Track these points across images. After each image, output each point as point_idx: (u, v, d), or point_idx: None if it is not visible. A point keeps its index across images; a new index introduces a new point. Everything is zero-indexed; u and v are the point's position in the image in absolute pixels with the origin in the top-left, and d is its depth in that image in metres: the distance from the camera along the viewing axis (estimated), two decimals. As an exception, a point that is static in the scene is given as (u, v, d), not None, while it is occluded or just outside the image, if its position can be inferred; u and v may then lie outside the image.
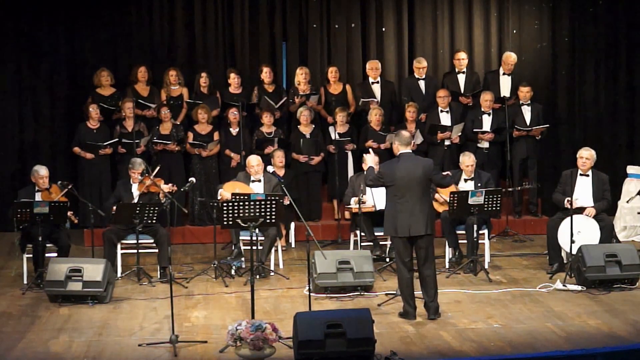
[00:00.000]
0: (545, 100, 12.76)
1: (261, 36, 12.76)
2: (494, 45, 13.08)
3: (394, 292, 8.68)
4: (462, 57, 12.40)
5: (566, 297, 8.87)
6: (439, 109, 12.02)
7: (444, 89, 12.13)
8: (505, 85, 12.37)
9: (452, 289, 9.13)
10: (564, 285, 9.12)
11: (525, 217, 12.25)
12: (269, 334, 6.89)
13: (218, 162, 11.87)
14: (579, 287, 9.06)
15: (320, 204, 12.11)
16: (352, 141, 11.85)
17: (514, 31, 13.06)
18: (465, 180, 10.33)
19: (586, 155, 9.93)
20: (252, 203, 8.37)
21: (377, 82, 12.32)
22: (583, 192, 9.90)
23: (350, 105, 12.33)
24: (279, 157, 11.07)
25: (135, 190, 10.04)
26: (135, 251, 9.67)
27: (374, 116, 11.80)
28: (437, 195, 10.11)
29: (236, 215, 8.25)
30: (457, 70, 12.45)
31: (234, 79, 12.14)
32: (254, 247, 9.12)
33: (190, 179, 9.97)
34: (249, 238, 9.16)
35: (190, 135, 11.72)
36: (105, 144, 11.50)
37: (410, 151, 8.21)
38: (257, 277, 9.53)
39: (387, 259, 10.11)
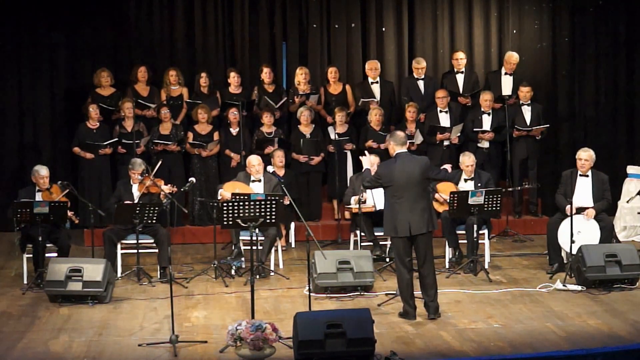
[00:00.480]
0: (545, 100, 12.77)
1: (261, 36, 12.76)
2: (494, 45, 13.09)
3: (394, 292, 8.68)
4: (460, 57, 12.40)
5: (566, 297, 8.88)
6: (438, 109, 12.02)
7: (443, 89, 12.13)
8: (506, 85, 12.38)
9: (452, 289, 9.13)
10: (564, 285, 9.12)
11: (525, 217, 12.26)
12: (269, 334, 6.89)
13: (218, 162, 11.87)
14: (579, 287, 9.06)
15: (320, 204, 12.11)
16: (352, 141, 11.85)
17: (514, 31, 13.07)
18: (465, 180, 10.33)
19: (585, 157, 9.93)
20: (252, 203, 8.37)
21: (377, 82, 12.32)
22: (583, 192, 9.91)
23: (350, 105, 12.33)
24: (279, 157, 11.07)
25: (136, 191, 10.04)
26: (135, 251, 9.67)
27: (374, 116, 11.80)
28: (437, 195, 10.11)
29: (236, 215, 8.25)
30: (455, 70, 12.45)
31: (233, 79, 12.14)
32: (254, 247, 9.12)
33: (190, 179, 9.98)
34: (249, 238, 9.16)
35: (190, 135, 11.72)
36: (105, 143, 11.50)
37: (406, 150, 8.20)
38: (257, 277, 9.53)
39: (387, 259, 10.11)
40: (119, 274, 9.76)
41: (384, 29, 12.95)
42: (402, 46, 13.02)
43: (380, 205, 9.63)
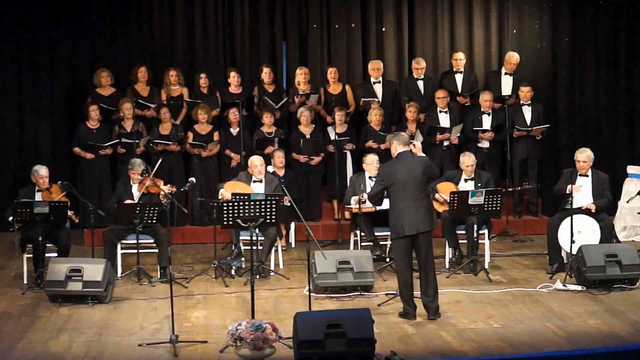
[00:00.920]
0: (545, 100, 12.77)
1: (261, 36, 12.76)
2: (494, 45, 13.09)
3: (394, 292, 8.68)
4: (460, 58, 12.39)
5: (566, 297, 8.88)
6: (438, 109, 12.02)
7: (442, 90, 12.13)
8: (506, 84, 12.38)
9: (452, 289, 9.13)
10: (564, 285, 9.12)
11: (525, 217, 12.26)
12: (269, 334, 6.89)
13: (218, 162, 11.87)
14: (579, 287, 9.06)
15: (320, 204, 12.11)
16: (351, 141, 11.85)
17: (514, 31, 13.07)
18: (466, 180, 10.33)
19: (583, 158, 9.92)
20: (252, 203, 8.37)
21: (379, 82, 12.32)
22: (583, 191, 9.91)
23: (350, 105, 12.33)
24: (279, 157, 11.06)
25: (136, 191, 10.04)
26: (135, 251, 9.67)
27: (374, 116, 11.80)
28: (437, 195, 10.11)
29: (236, 215, 8.25)
30: (454, 70, 12.45)
31: (234, 79, 12.14)
32: (254, 247, 9.12)
33: (190, 179, 9.97)
34: (249, 238, 9.16)
35: (190, 135, 11.72)
36: (105, 144, 11.49)
37: (408, 150, 8.22)
38: (257, 277, 9.53)
39: (387, 259, 10.11)
40: (119, 274, 9.76)
41: (384, 29, 12.95)
42: (402, 46, 13.02)
43: (380, 206, 9.61)
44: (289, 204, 9.64)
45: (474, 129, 11.91)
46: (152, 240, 9.91)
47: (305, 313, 7.29)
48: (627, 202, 11.47)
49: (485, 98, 11.94)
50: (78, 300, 8.70)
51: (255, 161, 10.32)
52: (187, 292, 9.22)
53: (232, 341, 6.95)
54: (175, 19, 12.65)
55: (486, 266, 9.99)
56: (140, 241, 9.67)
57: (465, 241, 9.94)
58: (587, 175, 9.95)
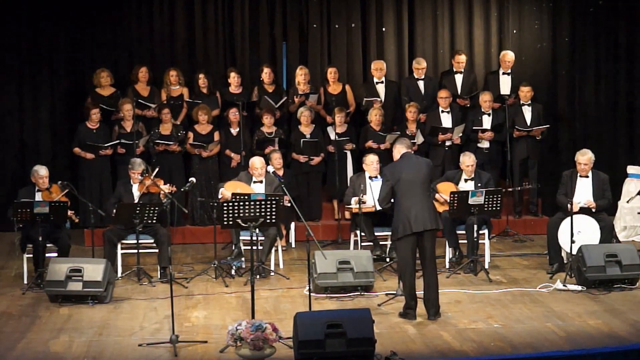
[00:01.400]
0: (545, 100, 12.76)
1: (261, 36, 12.76)
2: (494, 45, 13.08)
3: (394, 292, 8.68)
4: (461, 60, 12.39)
5: (566, 297, 8.88)
6: (440, 109, 12.02)
7: (445, 90, 12.12)
8: (505, 84, 12.38)
9: (452, 289, 9.13)
10: (564, 285, 9.12)
11: (525, 217, 12.26)
12: (269, 334, 6.89)
13: (218, 162, 11.87)
14: (579, 287, 9.06)
15: (320, 204, 12.11)
16: (351, 141, 11.85)
17: (514, 31, 13.07)
18: (466, 180, 10.33)
19: (584, 161, 9.92)
20: (252, 203, 8.37)
21: (382, 82, 12.32)
22: (583, 192, 9.91)
23: (350, 105, 12.33)
24: (276, 158, 11.01)
25: (136, 191, 10.04)
26: (135, 251, 9.67)
27: (374, 116, 11.80)
28: (437, 195, 10.10)
29: (236, 215, 8.25)
30: (455, 70, 12.45)
31: (234, 79, 12.14)
32: (254, 247, 9.12)
33: (190, 179, 9.97)
34: (249, 238, 9.16)
35: (191, 135, 11.72)
36: (105, 145, 11.50)
37: (412, 152, 8.28)
38: (257, 277, 9.53)
39: (387, 259, 10.12)
40: (119, 274, 9.76)
41: (384, 29, 12.95)
42: (402, 46, 13.02)
43: (380, 206, 9.62)
44: (289, 204, 9.64)
45: (474, 128, 11.91)
46: (152, 240, 9.91)
47: (305, 313, 7.29)
48: (627, 202, 11.47)
49: (485, 99, 11.95)
50: (78, 300, 8.70)
51: (256, 163, 10.31)
52: (187, 292, 9.22)
53: (232, 341, 6.95)
54: (175, 19, 12.66)
55: (486, 266, 9.99)
56: (140, 241, 9.67)
57: (465, 241, 9.94)
58: (587, 177, 9.95)
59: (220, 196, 10.02)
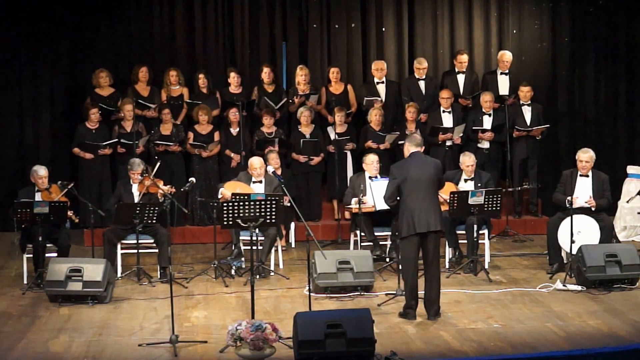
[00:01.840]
0: (545, 100, 12.77)
1: (261, 36, 12.76)
2: (494, 45, 13.09)
3: (394, 292, 8.68)
4: (464, 60, 12.39)
5: (566, 297, 8.88)
6: (441, 109, 12.02)
7: (447, 90, 12.12)
8: (503, 84, 12.39)
9: (452, 289, 9.13)
10: (564, 285, 9.12)
11: (525, 217, 12.26)
12: (269, 334, 6.89)
13: (218, 162, 11.87)
14: (579, 287, 9.06)
15: (320, 204, 12.11)
16: (352, 141, 11.85)
17: (514, 31, 13.07)
18: (465, 180, 10.33)
19: (585, 159, 9.92)
20: (252, 203, 8.37)
21: (382, 83, 12.33)
22: (583, 192, 9.90)
23: (352, 105, 12.33)
24: (273, 158, 10.98)
25: (136, 191, 10.04)
26: (135, 251, 9.67)
27: (374, 116, 11.80)
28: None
29: (236, 215, 8.25)
30: (457, 70, 12.45)
31: (233, 79, 12.14)
32: (254, 247, 9.12)
33: (190, 179, 9.97)
34: (249, 238, 9.16)
35: (191, 135, 11.72)
36: (104, 144, 11.50)
37: (421, 151, 8.24)
38: (257, 277, 9.53)
39: (387, 259, 10.12)
40: (119, 274, 9.76)
41: (384, 29, 12.95)
42: (402, 46, 13.02)
43: (380, 206, 9.62)
44: (288, 204, 9.63)
45: (474, 128, 11.92)
46: (152, 240, 9.91)
47: (305, 313, 7.29)
48: (627, 202, 11.47)
49: (486, 99, 11.95)
50: (78, 300, 8.70)
51: (255, 163, 10.31)
52: (187, 292, 9.22)
53: (232, 341, 6.95)
54: (175, 19, 12.66)
55: (486, 266, 9.99)
56: (140, 241, 9.67)
57: (465, 241, 9.94)
58: (587, 176, 9.95)
59: (220, 196, 10.02)
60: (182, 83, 12.16)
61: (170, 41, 12.67)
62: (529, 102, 12.09)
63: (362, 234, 10.25)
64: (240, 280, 9.64)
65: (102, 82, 11.97)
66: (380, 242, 10.31)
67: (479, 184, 10.20)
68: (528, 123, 12.02)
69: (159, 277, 9.73)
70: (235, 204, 8.33)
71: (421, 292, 8.19)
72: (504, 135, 11.90)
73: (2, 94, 12.34)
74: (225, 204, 8.33)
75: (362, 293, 8.98)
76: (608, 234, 9.81)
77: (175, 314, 7.54)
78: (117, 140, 11.53)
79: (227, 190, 9.99)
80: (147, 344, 7.40)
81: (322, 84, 12.47)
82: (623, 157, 12.96)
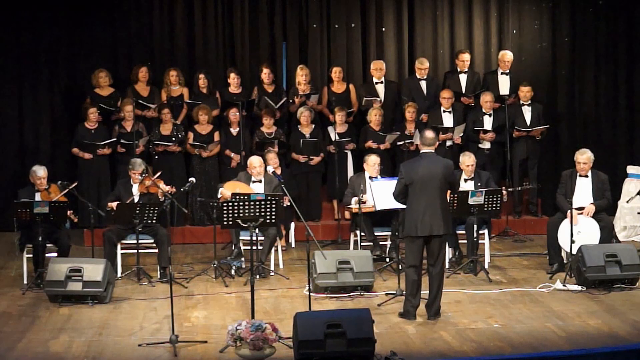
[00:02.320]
0: (545, 100, 12.76)
1: (261, 36, 12.76)
2: (494, 45, 13.08)
3: (394, 292, 8.68)
4: (465, 59, 12.39)
5: (566, 297, 8.88)
6: (442, 109, 12.02)
7: (448, 90, 12.12)
8: (504, 84, 12.38)
9: (452, 289, 9.12)
10: (564, 285, 9.12)
11: (525, 217, 12.26)
12: (269, 334, 6.90)
13: (218, 162, 11.87)
14: (579, 287, 9.06)
15: (320, 204, 12.11)
16: (352, 141, 11.85)
17: (514, 31, 13.07)
18: (465, 180, 10.33)
19: (583, 160, 9.92)
20: (252, 203, 8.37)
21: (381, 82, 12.33)
22: (583, 192, 9.91)
23: (354, 105, 12.33)
24: (272, 158, 10.97)
25: (136, 190, 10.04)
26: (135, 251, 9.67)
27: (374, 116, 11.79)
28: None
29: (236, 215, 8.25)
30: (459, 70, 12.45)
31: (233, 79, 12.14)
32: (254, 247, 9.11)
33: (190, 179, 9.97)
34: (249, 238, 9.14)
35: (191, 135, 11.72)
36: (102, 143, 11.49)
37: (433, 151, 8.16)
38: (257, 277, 9.53)
39: (387, 259, 10.12)
40: (119, 274, 9.77)
41: (384, 29, 12.95)
42: (402, 46, 13.02)
43: (380, 206, 9.62)
44: (288, 204, 9.63)
45: (475, 129, 11.91)
46: (152, 240, 9.91)
47: (305, 313, 7.29)
48: (627, 202, 11.46)
49: (486, 99, 11.94)
50: (78, 300, 8.70)
51: (254, 162, 10.32)
52: (187, 292, 9.22)
53: (232, 341, 6.95)
54: (175, 19, 12.65)
55: (486, 266, 9.99)
56: (140, 241, 9.68)
57: (465, 241, 9.94)
58: (587, 176, 9.95)
59: (220, 196, 10.02)
60: (182, 83, 12.16)
61: (170, 41, 12.67)
62: (529, 102, 12.09)
63: (362, 234, 10.25)
64: (240, 280, 9.64)
65: (102, 82, 11.97)
66: (380, 242, 10.31)
67: (479, 184, 10.20)
68: (528, 123, 12.02)
69: (159, 277, 9.73)
70: (235, 204, 8.33)
71: (424, 293, 8.17)
72: (503, 136, 11.90)
73: (2, 94, 12.34)
74: (225, 204, 8.34)
75: (362, 293, 8.98)
76: (608, 234, 9.81)
77: (175, 314, 7.54)
78: (115, 140, 11.53)
79: (227, 190, 9.98)
80: (147, 344, 7.40)
81: (322, 84, 12.47)
82: (623, 157, 12.96)
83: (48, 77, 12.40)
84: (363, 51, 12.96)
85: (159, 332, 7.82)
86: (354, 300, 8.84)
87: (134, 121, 11.58)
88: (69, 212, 9.52)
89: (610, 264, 9.05)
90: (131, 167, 10.05)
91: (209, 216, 11.58)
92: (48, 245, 9.57)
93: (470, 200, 9.61)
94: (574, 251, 9.32)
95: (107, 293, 8.81)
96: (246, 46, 12.77)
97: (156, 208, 9.56)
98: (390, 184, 8.94)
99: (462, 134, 11.88)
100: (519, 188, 11.66)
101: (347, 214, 11.48)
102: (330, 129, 11.97)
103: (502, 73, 12.41)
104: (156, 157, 11.44)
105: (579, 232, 9.60)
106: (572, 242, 9.40)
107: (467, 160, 10.34)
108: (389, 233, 10.29)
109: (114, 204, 9.78)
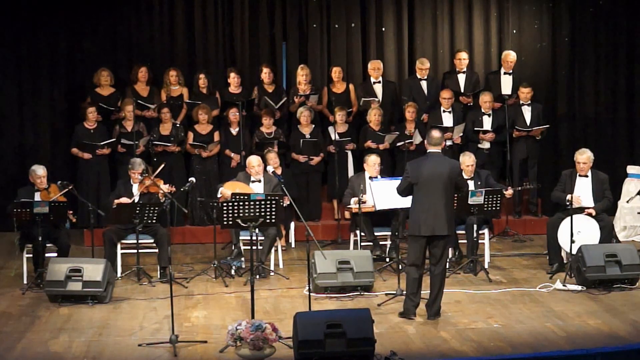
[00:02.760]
0: (545, 100, 12.76)
1: (261, 36, 12.76)
2: (494, 45, 13.08)
3: (394, 292, 8.68)
4: (463, 58, 12.40)
5: (566, 297, 8.88)
6: (442, 109, 12.02)
7: (448, 90, 12.12)
8: (506, 84, 12.38)
9: (452, 289, 9.11)
10: (564, 285, 9.12)
11: (525, 217, 12.26)
12: (269, 334, 6.90)
13: (218, 162, 11.87)
14: (579, 287, 9.06)
15: (320, 204, 12.11)
16: (352, 141, 11.85)
17: (514, 31, 13.07)
18: (466, 180, 10.32)
19: (583, 160, 9.92)
20: (252, 203, 8.37)
21: (379, 82, 12.33)
22: (583, 192, 9.91)
23: (353, 104, 12.33)
24: (272, 159, 10.96)
25: (136, 190, 10.04)
26: (135, 251, 9.68)
27: (373, 116, 11.79)
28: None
29: (236, 215, 8.25)
30: (457, 70, 12.46)
31: (233, 79, 12.14)
32: (254, 247, 9.12)
33: (190, 179, 9.97)
34: (249, 238, 9.15)
35: (191, 135, 11.72)
36: (102, 143, 11.49)
37: (439, 151, 8.14)
38: (257, 277, 9.53)
39: (387, 259, 10.11)
40: (119, 274, 9.77)
41: (384, 29, 12.95)
42: (402, 46, 13.02)
43: (380, 206, 9.62)
44: (288, 203, 9.63)
45: (475, 129, 11.91)
46: (152, 240, 9.91)
47: (305, 313, 7.29)
48: (627, 202, 11.47)
49: (485, 99, 11.94)
50: (78, 300, 8.70)
51: (253, 162, 10.32)
52: (187, 292, 9.22)
53: (232, 341, 6.95)
54: (175, 19, 12.65)
55: (486, 266, 9.99)
56: (140, 241, 9.68)
57: (465, 241, 9.94)
58: (586, 176, 9.95)
59: (219, 195, 10.02)
60: (182, 83, 12.16)
61: (170, 41, 12.67)
62: (529, 102, 12.09)
63: (362, 234, 10.25)
64: (240, 280, 9.64)
65: (103, 81, 11.96)
66: (380, 242, 10.30)
67: (479, 183, 10.20)
68: (528, 123, 12.02)
69: (158, 277, 9.73)
70: (235, 203, 8.33)
71: (425, 293, 8.17)
72: (504, 136, 11.90)
73: (2, 94, 12.34)
74: (225, 204, 8.34)
75: (362, 293, 8.98)
76: (608, 234, 9.82)
77: (175, 314, 7.54)
78: (115, 140, 11.53)
79: (226, 190, 9.98)
80: (147, 344, 7.40)
81: (322, 84, 12.47)
82: (623, 157, 12.95)
83: (48, 77, 12.39)
84: (363, 51, 12.96)
85: (159, 332, 7.82)
86: (354, 300, 8.84)
87: (134, 121, 11.58)
88: (68, 213, 9.51)
89: (610, 264, 9.05)
90: (131, 167, 10.05)
91: (209, 216, 11.58)
92: (48, 245, 9.57)
93: (470, 200, 9.61)
94: (574, 251, 9.32)
95: (107, 293, 8.81)
96: (246, 46, 12.77)
97: (156, 208, 9.56)
98: (390, 184, 8.96)
99: (461, 134, 11.87)
100: (519, 188, 11.66)
101: (347, 214, 11.48)
102: (330, 129, 11.97)
103: (505, 73, 12.41)
104: (155, 159, 11.43)
105: (579, 232, 9.60)
106: (572, 242, 9.40)
107: (467, 160, 10.34)
108: (389, 233, 10.28)
109: (121, 200, 9.80)
